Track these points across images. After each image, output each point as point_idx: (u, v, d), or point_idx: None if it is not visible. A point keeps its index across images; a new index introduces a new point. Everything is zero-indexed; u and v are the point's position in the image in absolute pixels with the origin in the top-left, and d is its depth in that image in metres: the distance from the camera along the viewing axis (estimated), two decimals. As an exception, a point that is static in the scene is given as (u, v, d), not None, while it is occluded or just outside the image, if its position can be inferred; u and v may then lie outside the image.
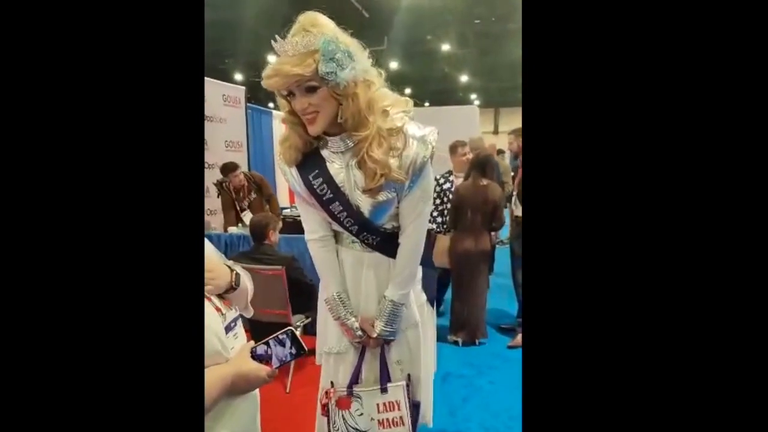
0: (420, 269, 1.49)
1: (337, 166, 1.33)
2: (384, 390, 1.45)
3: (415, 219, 1.36)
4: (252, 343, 0.97)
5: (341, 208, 1.32)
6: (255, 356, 0.94)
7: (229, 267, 1.00)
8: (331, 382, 1.48)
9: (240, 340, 0.98)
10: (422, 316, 1.52)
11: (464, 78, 15.54)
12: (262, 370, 0.93)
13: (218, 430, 0.90)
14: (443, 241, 3.74)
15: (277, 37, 1.18)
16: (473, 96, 19.48)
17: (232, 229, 4.15)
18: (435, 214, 3.91)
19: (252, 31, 9.79)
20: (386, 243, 1.40)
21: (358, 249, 1.42)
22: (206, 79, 3.78)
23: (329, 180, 1.33)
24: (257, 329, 2.48)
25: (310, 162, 1.36)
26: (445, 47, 11.21)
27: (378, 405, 1.45)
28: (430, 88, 16.01)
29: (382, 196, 1.30)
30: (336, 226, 1.43)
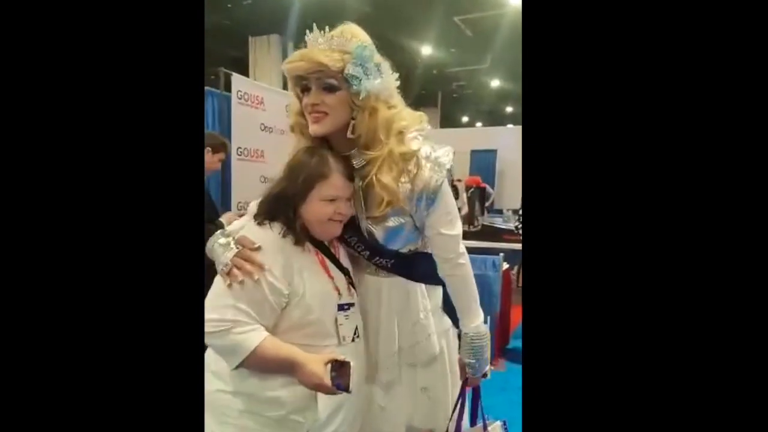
0: (441, 292, 1.35)
1: None
2: None
3: (450, 243, 1.25)
4: (338, 356, 1.04)
5: (351, 232, 1.22)
6: (331, 367, 1.01)
7: None
8: None
9: (351, 321, 1.16)
10: (447, 343, 1.36)
11: (570, 96, 14.98)
12: (318, 379, 1.01)
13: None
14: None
15: (314, 26, 1.14)
16: (580, 114, 18.67)
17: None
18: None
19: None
20: (402, 265, 1.28)
21: (373, 273, 1.30)
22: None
23: None
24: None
25: None
26: (550, 64, 10.96)
27: None
28: (534, 106, 15.68)
29: (391, 222, 1.20)
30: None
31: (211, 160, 2.63)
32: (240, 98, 3.27)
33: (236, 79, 3.36)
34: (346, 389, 1.00)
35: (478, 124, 16.25)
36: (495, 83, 12.44)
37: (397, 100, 1.21)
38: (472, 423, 1.35)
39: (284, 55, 8.42)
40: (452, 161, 1.23)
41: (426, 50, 9.27)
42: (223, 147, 2.68)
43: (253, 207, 1.22)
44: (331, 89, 1.12)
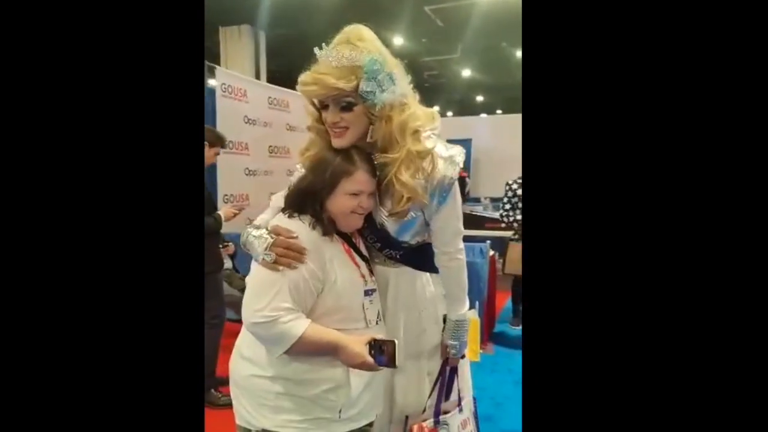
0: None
1: None
2: (461, 410, 1.46)
3: (453, 238, 1.34)
4: (378, 336, 1.15)
5: (365, 224, 1.28)
6: (371, 346, 1.11)
7: None
8: (406, 417, 1.42)
9: (374, 305, 1.24)
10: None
11: (539, 84, 15.22)
12: (361, 358, 1.11)
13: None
14: (515, 249, 3.75)
15: (323, 45, 1.18)
16: (548, 102, 18.96)
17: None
18: (510, 219, 3.93)
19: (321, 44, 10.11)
20: (411, 255, 1.36)
21: (382, 264, 1.36)
22: (292, 92, 3.99)
23: None
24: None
25: None
26: (520, 54, 11.12)
27: (458, 426, 1.45)
28: (504, 96, 15.79)
29: (407, 216, 1.27)
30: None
31: (208, 154, 2.63)
32: (224, 91, 3.24)
33: (220, 71, 3.32)
34: (388, 364, 1.09)
35: (449, 113, 16.36)
36: (466, 73, 12.54)
37: (411, 98, 1.25)
38: (447, 398, 1.43)
39: (256, 46, 8.31)
40: (463, 162, 1.29)
41: (398, 40, 9.28)
42: (219, 141, 2.70)
43: (276, 200, 1.27)
44: (348, 107, 1.18)
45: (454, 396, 1.44)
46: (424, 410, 1.40)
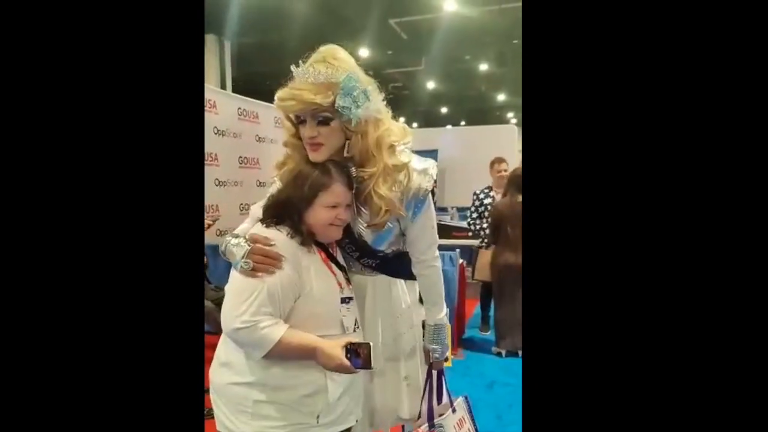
0: (418, 287, 1.50)
1: None
2: (454, 410, 1.50)
3: (429, 247, 1.39)
4: (354, 340, 1.17)
5: (343, 234, 1.31)
6: (347, 349, 1.13)
7: None
8: (402, 427, 1.47)
9: (351, 313, 1.26)
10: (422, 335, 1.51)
11: (501, 97, 15.59)
12: (338, 360, 1.12)
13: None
14: (485, 256, 3.85)
15: (300, 62, 1.22)
16: (510, 115, 19.47)
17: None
18: (476, 228, 4.04)
19: (295, 55, 10.11)
20: (386, 263, 1.42)
21: (359, 273, 1.42)
22: (261, 103, 4.00)
23: None
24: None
25: None
26: (483, 67, 11.31)
27: (454, 426, 1.49)
28: (467, 107, 16.08)
29: (385, 226, 1.32)
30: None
31: None
32: (194, 102, 3.23)
33: (189, 82, 3.32)
34: (364, 366, 1.12)
35: (415, 124, 16.58)
36: (430, 85, 12.74)
37: (385, 114, 1.30)
38: (439, 401, 1.48)
39: (221, 56, 8.28)
40: (436, 174, 1.36)
41: (363, 52, 9.39)
42: None
43: (255, 211, 1.30)
44: (325, 122, 1.22)
45: (445, 399, 1.49)
46: (419, 417, 1.45)
